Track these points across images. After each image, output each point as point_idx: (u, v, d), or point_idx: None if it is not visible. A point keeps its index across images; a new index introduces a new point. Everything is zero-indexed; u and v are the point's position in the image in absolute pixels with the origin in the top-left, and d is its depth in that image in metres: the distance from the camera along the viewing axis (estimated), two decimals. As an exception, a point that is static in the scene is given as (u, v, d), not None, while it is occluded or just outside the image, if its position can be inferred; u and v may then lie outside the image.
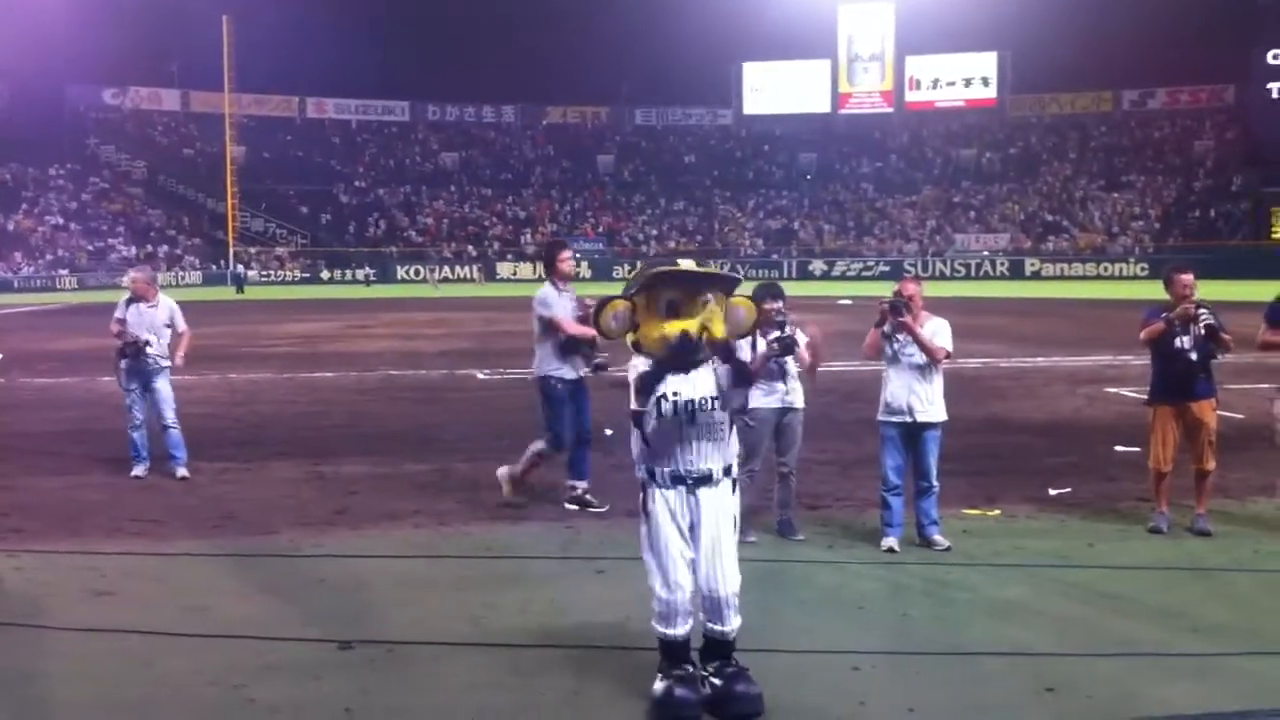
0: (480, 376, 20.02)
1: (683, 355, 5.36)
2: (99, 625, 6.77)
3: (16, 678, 6.05)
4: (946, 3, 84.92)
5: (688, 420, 5.43)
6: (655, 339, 5.39)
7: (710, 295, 5.44)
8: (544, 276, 10.21)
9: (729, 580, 5.48)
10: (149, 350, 11.11)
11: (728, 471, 5.58)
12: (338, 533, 9.07)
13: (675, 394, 5.40)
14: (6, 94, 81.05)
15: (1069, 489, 10.33)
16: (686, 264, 5.65)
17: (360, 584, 7.71)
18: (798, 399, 8.78)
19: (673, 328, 5.32)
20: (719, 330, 5.40)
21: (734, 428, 5.64)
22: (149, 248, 72.23)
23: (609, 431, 13.11)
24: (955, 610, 7.17)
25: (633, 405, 5.46)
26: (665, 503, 5.49)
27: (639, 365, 5.50)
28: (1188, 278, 8.86)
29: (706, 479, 5.51)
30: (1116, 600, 7.32)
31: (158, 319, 11.30)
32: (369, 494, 10.44)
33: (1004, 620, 6.93)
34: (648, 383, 5.39)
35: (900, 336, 8.45)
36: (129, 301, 11.33)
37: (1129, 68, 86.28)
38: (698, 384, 5.45)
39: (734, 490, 5.64)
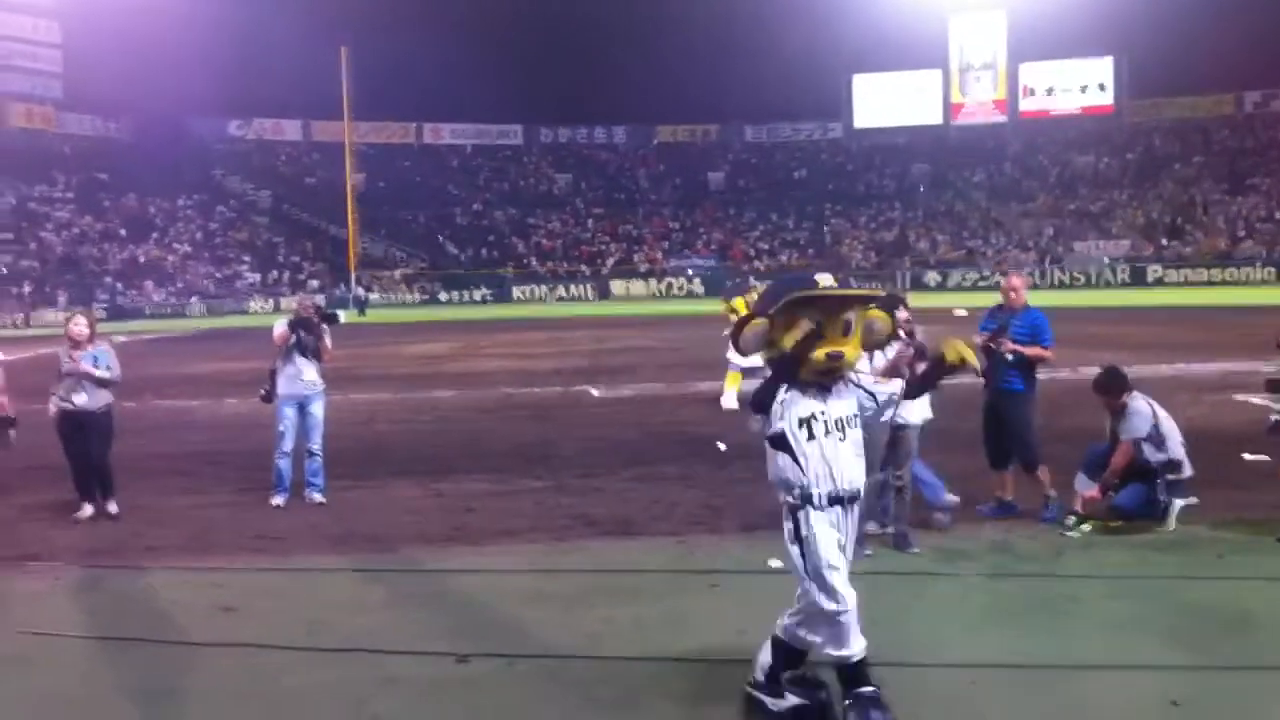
0: (594, 394, 20.15)
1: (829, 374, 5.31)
2: (225, 640, 6.96)
3: (147, 693, 6.24)
4: (1059, 8, 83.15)
5: (840, 439, 5.35)
6: (810, 359, 5.24)
7: (852, 314, 5.33)
8: None
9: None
10: (304, 379, 11.14)
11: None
12: (456, 549, 9.20)
13: (823, 413, 5.32)
14: (134, 128, 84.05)
15: (1195, 499, 10.05)
16: (825, 280, 5.58)
17: (478, 599, 7.82)
18: (912, 415, 8.65)
19: (822, 352, 5.20)
20: (854, 353, 5.36)
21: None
22: (275, 274, 74.12)
23: (723, 447, 13.16)
24: (1076, 623, 7.04)
25: (772, 429, 5.34)
26: (825, 522, 5.31)
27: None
28: None
29: (856, 497, 5.43)
30: (1246, 613, 7.10)
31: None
32: (487, 511, 10.57)
33: (1126, 633, 6.78)
34: (764, 399, 5.34)
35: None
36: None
37: (1250, 68, 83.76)
38: (842, 404, 5.40)
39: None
